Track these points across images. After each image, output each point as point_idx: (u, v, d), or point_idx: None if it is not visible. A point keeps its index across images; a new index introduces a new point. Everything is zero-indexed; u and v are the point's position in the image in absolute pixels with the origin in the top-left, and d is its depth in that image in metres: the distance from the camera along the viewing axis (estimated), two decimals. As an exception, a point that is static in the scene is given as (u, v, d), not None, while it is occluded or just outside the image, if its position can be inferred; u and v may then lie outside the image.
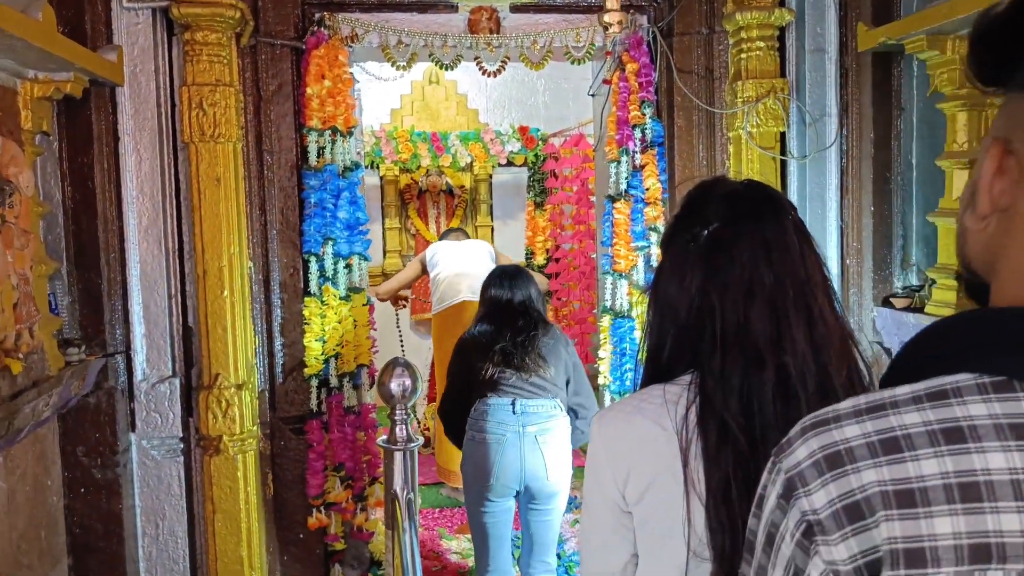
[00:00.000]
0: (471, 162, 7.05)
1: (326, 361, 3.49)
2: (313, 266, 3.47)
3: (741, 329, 1.18)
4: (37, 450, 2.78)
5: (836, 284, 3.57)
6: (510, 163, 7.22)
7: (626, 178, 3.72)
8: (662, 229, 3.68)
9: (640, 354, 1.33)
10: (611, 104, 3.81)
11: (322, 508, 3.48)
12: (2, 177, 2.28)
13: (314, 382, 3.47)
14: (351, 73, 3.57)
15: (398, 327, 5.46)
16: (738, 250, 1.20)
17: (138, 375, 3.21)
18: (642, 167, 3.68)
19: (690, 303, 1.22)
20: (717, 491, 1.13)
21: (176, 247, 3.27)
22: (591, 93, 4.42)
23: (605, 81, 3.91)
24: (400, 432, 2.45)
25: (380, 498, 3.75)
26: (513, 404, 3.00)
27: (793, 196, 3.61)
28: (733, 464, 1.14)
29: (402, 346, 5.24)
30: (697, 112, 3.69)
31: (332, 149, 3.49)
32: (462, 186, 7.66)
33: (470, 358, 3.09)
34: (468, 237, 5.58)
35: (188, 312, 3.31)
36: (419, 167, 7.07)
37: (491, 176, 7.59)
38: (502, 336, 3.04)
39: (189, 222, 3.26)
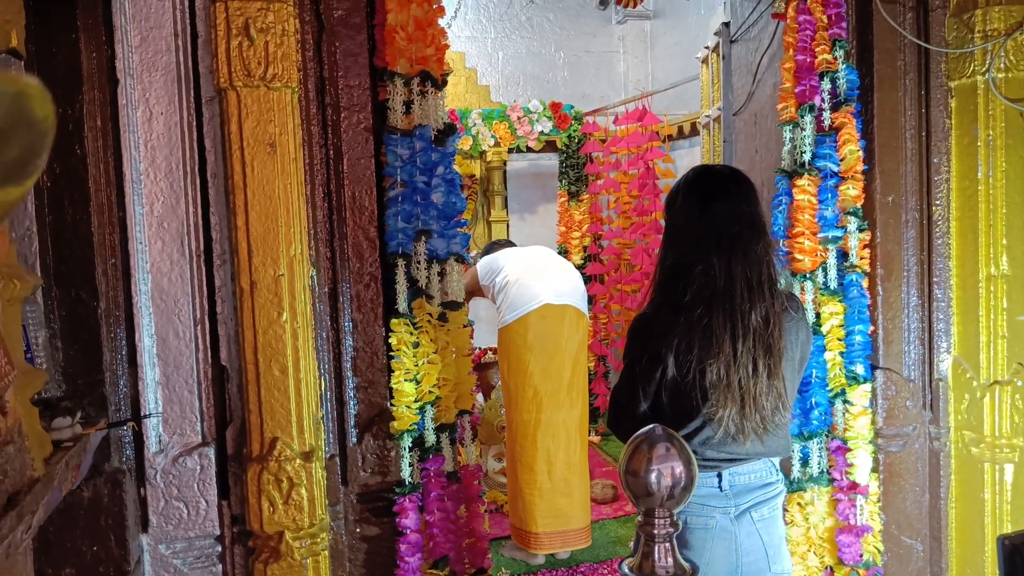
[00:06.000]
0: (493, 145, 5.97)
1: (421, 410, 2.41)
2: (401, 273, 2.39)
3: None
4: (1, 586, 1.66)
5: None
6: (524, 149, 6.17)
7: (810, 145, 2.73)
8: (861, 214, 2.71)
9: None
10: (783, 47, 2.82)
11: (415, 620, 2.40)
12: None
13: (406, 441, 2.39)
14: (441, -3, 2.51)
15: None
16: None
17: (152, 445, 2.10)
18: (834, 129, 2.70)
19: None
20: None
21: (203, 248, 2.16)
22: (707, 46, 3.44)
23: (776, 16, 2.91)
24: (662, 557, 1.42)
25: (487, 596, 2.69)
26: (720, 478, 1.99)
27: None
28: None
29: None
30: (904, 54, 2.73)
31: (423, 104, 2.42)
32: (472, 175, 6.59)
33: (664, 353, 1.92)
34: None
35: (220, 345, 2.21)
36: (430, 152, 5.98)
37: (505, 163, 6.54)
38: (727, 330, 1.87)
39: (223, 210, 2.16)
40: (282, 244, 2.11)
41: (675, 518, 1.44)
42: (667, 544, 1.43)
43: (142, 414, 2.03)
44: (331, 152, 2.33)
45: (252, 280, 2.11)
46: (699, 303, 1.89)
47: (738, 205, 1.96)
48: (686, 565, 1.44)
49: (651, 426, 1.47)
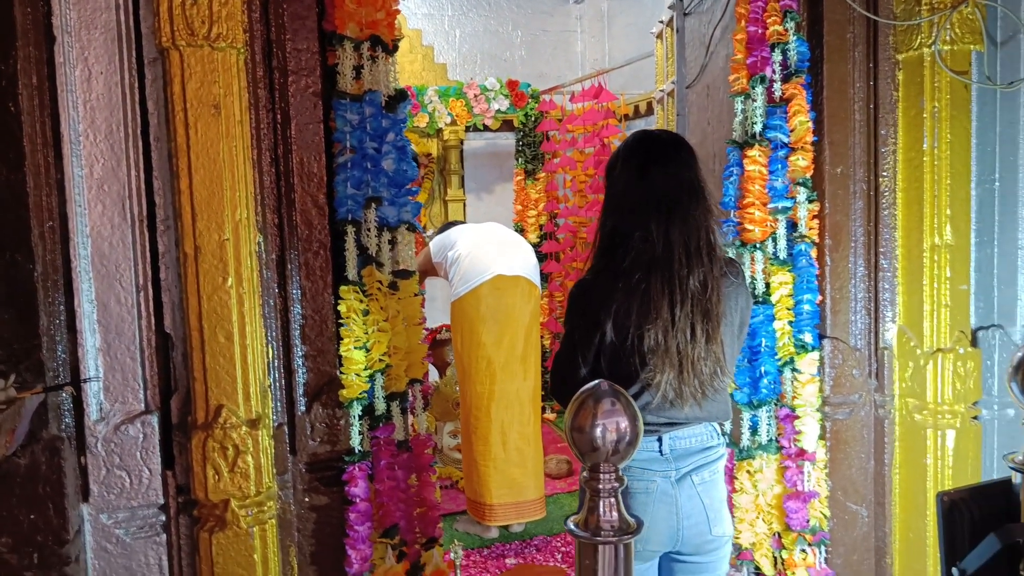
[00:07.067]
0: (449, 123, 5.93)
1: (371, 378, 2.40)
2: (350, 240, 2.36)
3: None
4: (-67, 554, 1.62)
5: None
6: (481, 127, 6.14)
7: (761, 116, 2.75)
8: (811, 184, 2.74)
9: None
10: (736, 19, 2.83)
11: (366, 589, 2.39)
12: None
13: (356, 409, 2.37)
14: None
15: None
16: None
17: (92, 413, 2.05)
18: (785, 100, 2.73)
19: None
20: None
21: (146, 213, 2.11)
22: (661, 20, 3.45)
23: (728, -14, 2.93)
24: (607, 512, 1.42)
25: (439, 566, 2.69)
26: (660, 442, 2.00)
27: (972, 138, 2.73)
28: None
29: None
30: (853, 26, 2.76)
31: (373, 69, 2.39)
32: (428, 154, 6.54)
33: (604, 318, 1.92)
34: None
35: (164, 312, 2.16)
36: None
37: (462, 142, 6.51)
38: (665, 296, 1.88)
39: (167, 174, 2.11)
40: (227, 208, 2.07)
41: (620, 473, 1.45)
42: (612, 499, 1.43)
43: (81, 379, 1.98)
44: (278, 116, 2.29)
45: (196, 245, 2.07)
46: (637, 269, 1.90)
47: (679, 171, 1.96)
48: (631, 519, 1.45)
49: (596, 382, 1.47)
